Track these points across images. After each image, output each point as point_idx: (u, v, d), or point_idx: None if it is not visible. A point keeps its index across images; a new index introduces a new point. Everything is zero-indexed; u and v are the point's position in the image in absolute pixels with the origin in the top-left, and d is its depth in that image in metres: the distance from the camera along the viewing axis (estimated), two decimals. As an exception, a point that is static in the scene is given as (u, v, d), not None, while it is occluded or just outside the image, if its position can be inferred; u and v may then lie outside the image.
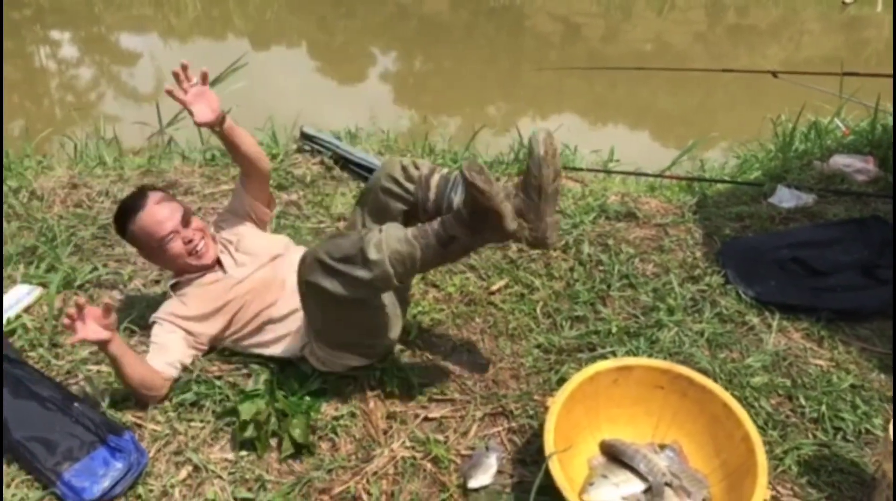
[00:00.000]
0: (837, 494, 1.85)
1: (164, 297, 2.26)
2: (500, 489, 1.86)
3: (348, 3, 10.10)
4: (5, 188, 2.99)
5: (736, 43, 9.54)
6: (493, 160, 3.76)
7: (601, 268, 2.71)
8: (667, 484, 1.79)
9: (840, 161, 3.37)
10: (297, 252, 2.24)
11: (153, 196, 2.12)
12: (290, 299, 2.11)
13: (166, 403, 2.04)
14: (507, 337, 2.35)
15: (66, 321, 1.78)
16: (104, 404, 2.01)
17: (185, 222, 2.12)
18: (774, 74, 3.91)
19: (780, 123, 4.11)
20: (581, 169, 3.66)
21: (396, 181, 2.02)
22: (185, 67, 2.02)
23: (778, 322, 2.41)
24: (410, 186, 2.02)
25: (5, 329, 2.24)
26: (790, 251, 2.68)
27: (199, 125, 2.08)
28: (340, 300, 1.79)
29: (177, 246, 2.10)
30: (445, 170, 2.05)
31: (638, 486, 1.80)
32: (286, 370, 2.14)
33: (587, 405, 1.87)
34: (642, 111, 6.42)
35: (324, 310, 1.93)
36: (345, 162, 3.39)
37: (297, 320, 2.11)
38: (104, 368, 2.14)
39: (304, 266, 1.83)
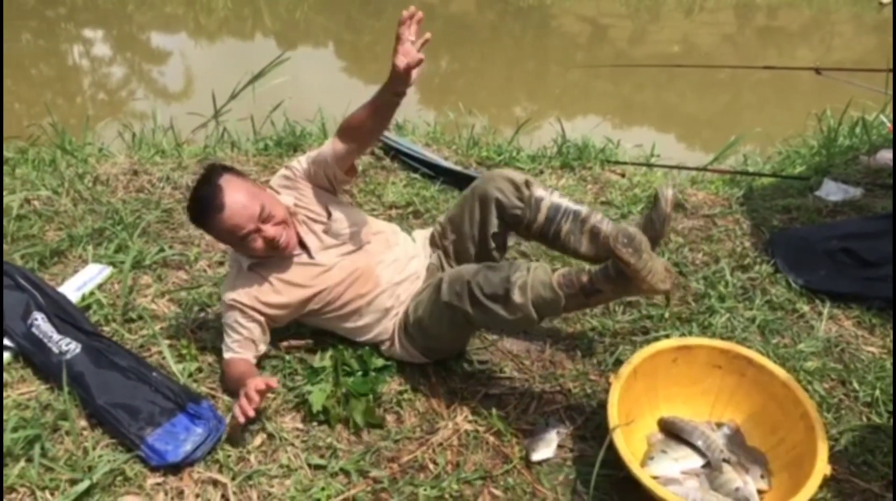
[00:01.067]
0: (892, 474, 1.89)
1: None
2: (561, 462, 1.93)
3: (376, 3, 10.17)
4: (71, 173, 3.10)
5: (765, 44, 9.47)
6: (537, 154, 3.82)
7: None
8: (725, 461, 1.84)
9: (887, 156, 3.38)
10: (391, 238, 2.22)
11: (230, 189, 1.91)
12: (382, 295, 2.13)
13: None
14: (562, 321, 2.41)
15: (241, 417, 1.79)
16: (181, 375, 2.10)
17: (265, 217, 1.93)
18: (818, 70, 3.94)
19: (824, 119, 4.12)
20: (626, 163, 3.71)
21: (507, 197, 2.10)
22: (419, 20, 1.78)
23: (829, 310, 2.44)
24: (520, 205, 2.11)
25: (81, 304, 2.34)
26: (840, 242, 2.71)
27: (401, 71, 1.77)
28: (472, 324, 1.96)
29: (258, 244, 1.95)
30: (557, 195, 2.13)
31: (697, 461, 1.85)
32: (351, 347, 2.21)
33: (647, 383, 1.92)
34: (669, 112, 6.44)
35: (447, 327, 2.01)
36: (395, 152, 3.47)
37: (382, 312, 2.15)
38: (176, 342, 2.23)
39: (451, 291, 1.89)
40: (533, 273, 1.79)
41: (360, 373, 2.12)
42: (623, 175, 3.59)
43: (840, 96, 4.05)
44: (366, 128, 1.96)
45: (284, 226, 1.99)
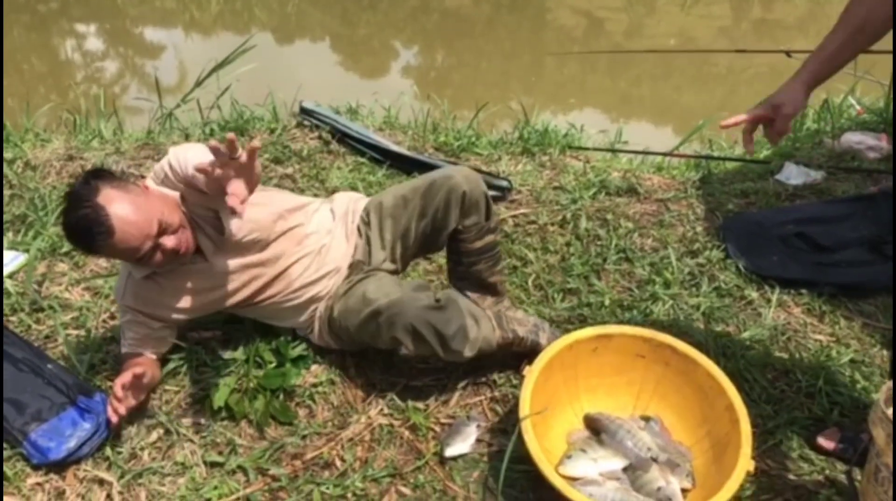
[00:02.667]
0: (830, 468, 1.77)
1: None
2: (477, 457, 1.81)
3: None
4: None
5: (761, 37, 9.34)
6: (498, 140, 3.69)
7: (598, 242, 2.64)
8: (653, 459, 1.73)
9: (851, 139, 3.25)
10: (304, 230, 1.97)
11: (113, 207, 1.59)
12: (298, 292, 1.96)
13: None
14: (496, 309, 2.29)
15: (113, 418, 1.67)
16: (81, 367, 1.98)
17: (162, 230, 1.66)
18: (788, 53, 3.80)
19: (793, 103, 3.98)
20: (587, 148, 3.57)
21: (475, 208, 1.94)
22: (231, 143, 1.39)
23: (778, 297, 2.32)
24: (480, 222, 1.97)
25: (-13, 294, 2.22)
26: (795, 227, 2.59)
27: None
28: (403, 350, 1.83)
29: (157, 259, 1.69)
30: (497, 235, 2.06)
31: (617, 463, 1.73)
32: (267, 336, 2.09)
33: (566, 375, 1.81)
34: (667, 107, 6.32)
35: (375, 341, 1.88)
36: (342, 136, 3.35)
37: (298, 309, 2.00)
38: (83, 332, 2.11)
39: (390, 324, 1.78)
40: (483, 329, 1.84)
41: (272, 365, 2.00)
42: (585, 161, 3.46)
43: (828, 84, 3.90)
44: None
45: (182, 230, 1.72)
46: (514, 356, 2.03)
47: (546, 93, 6.51)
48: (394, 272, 2.05)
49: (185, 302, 1.86)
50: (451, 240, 2.01)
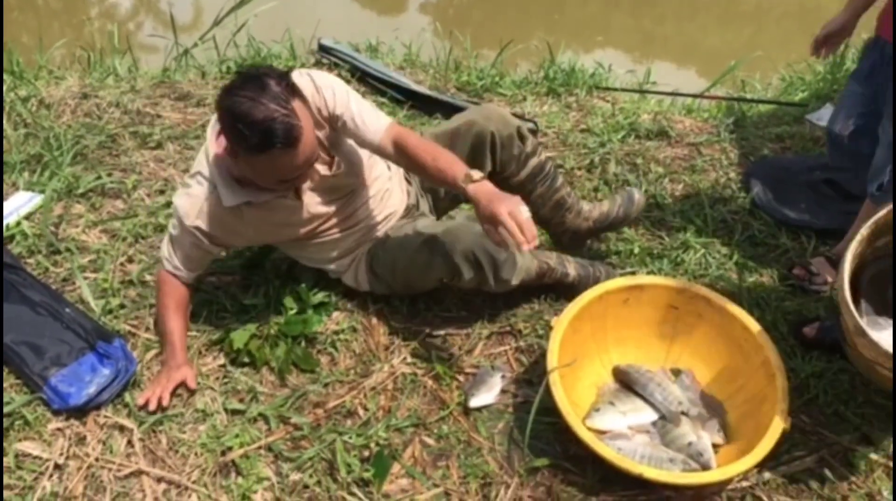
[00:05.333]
0: (867, 426, 1.72)
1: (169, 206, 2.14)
2: (502, 408, 1.78)
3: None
4: (13, 97, 2.91)
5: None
6: (522, 80, 3.56)
7: (627, 188, 2.55)
8: (683, 413, 1.68)
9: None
10: (380, 183, 1.94)
11: (303, 118, 1.50)
12: (355, 235, 1.92)
13: (163, 313, 1.98)
14: (521, 255, 2.23)
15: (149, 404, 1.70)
16: (99, 311, 1.95)
17: (315, 158, 1.61)
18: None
19: (832, 43, 3.81)
20: (615, 89, 3.45)
21: (503, 142, 1.91)
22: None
23: (814, 246, 2.24)
24: (514, 155, 1.94)
25: (5, 234, 2.18)
26: (823, 173, 2.46)
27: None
28: (450, 281, 1.83)
29: (285, 188, 1.66)
30: (543, 156, 2.02)
31: (647, 417, 1.70)
32: (288, 284, 2.04)
33: (594, 326, 1.75)
34: (693, 47, 6.10)
35: (422, 275, 1.85)
36: (363, 75, 3.24)
37: (348, 250, 1.95)
38: (100, 275, 2.07)
39: (455, 250, 1.74)
40: (525, 257, 1.83)
41: (293, 312, 1.95)
42: (612, 103, 3.34)
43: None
44: (412, 167, 1.72)
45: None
46: (541, 299, 2.02)
47: (568, 31, 6.29)
48: None
49: (260, 233, 1.83)
50: (496, 180, 1.89)
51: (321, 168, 1.73)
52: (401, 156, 1.69)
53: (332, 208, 1.84)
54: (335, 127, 1.73)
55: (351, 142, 1.79)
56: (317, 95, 1.66)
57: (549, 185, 2.03)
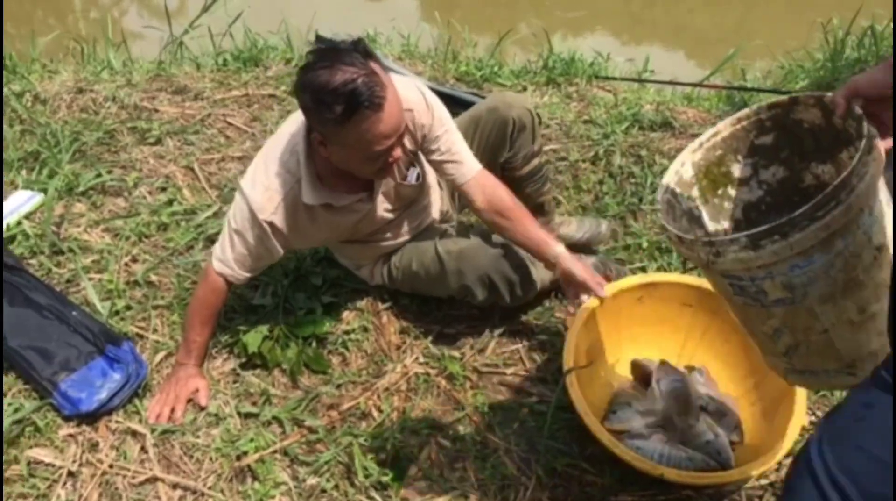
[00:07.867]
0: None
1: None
2: (516, 408, 1.77)
3: None
4: (8, 92, 2.86)
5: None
6: (521, 69, 3.54)
7: (632, 180, 2.54)
8: (701, 408, 1.68)
9: None
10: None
11: (388, 82, 1.46)
12: (396, 242, 1.93)
13: (171, 313, 1.95)
14: (530, 251, 2.22)
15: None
16: (105, 313, 1.92)
17: (403, 132, 1.55)
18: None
19: (831, 30, 3.80)
20: (614, 78, 3.43)
21: (524, 132, 1.92)
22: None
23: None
24: (528, 147, 1.96)
25: (6, 234, 2.15)
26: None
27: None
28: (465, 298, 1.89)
29: (377, 166, 1.56)
30: (543, 157, 2.08)
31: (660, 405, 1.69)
32: (297, 282, 2.02)
33: (609, 324, 1.74)
34: (678, 29, 6.06)
35: (440, 287, 1.88)
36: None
37: (384, 255, 1.97)
38: (106, 276, 2.04)
39: (467, 273, 1.79)
40: (539, 270, 1.84)
41: (302, 312, 1.94)
42: (612, 92, 3.32)
43: (853, 4, 3.70)
44: (496, 229, 1.80)
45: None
46: (552, 296, 2.04)
47: (557, 15, 6.26)
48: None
49: (325, 235, 1.82)
50: (503, 169, 1.97)
51: (397, 175, 1.75)
52: (492, 215, 1.75)
53: (392, 215, 1.85)
54: (425, 148, 1.74)
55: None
56: (426, 111, 1.67)
57: (539, 187, 2.06)
